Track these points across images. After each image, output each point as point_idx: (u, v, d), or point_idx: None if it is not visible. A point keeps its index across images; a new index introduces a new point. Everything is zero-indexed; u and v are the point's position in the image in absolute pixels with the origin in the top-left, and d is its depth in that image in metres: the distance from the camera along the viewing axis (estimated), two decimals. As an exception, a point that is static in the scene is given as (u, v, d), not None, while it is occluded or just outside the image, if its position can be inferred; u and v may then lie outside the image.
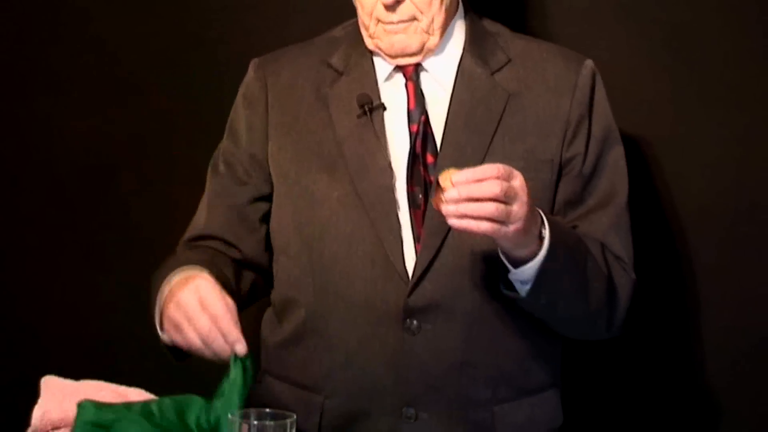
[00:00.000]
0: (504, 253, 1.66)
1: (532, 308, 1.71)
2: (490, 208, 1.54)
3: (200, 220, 1.88)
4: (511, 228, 1.57)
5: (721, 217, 2.09)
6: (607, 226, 1.79)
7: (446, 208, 1.55)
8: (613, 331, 1.81)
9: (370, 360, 1.74)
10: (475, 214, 1.55)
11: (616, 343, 2.11)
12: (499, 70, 1.80)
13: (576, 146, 1.79)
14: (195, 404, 1.56)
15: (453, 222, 1.56)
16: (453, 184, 1.55)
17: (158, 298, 1.68)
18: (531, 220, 1.60)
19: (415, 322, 1.73)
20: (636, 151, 2.14)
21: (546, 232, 1.63)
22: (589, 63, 1.82)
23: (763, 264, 2.08)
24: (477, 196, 1.54)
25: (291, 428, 1.42)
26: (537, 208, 1.64)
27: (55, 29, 2.68)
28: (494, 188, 1.55)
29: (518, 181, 1.59)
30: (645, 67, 2.14)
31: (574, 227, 1.79)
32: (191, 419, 1.56)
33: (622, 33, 2.14)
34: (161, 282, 1.69)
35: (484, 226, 1.55)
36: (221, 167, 1.88)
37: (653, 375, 2.18)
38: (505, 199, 1.55)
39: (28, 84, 2.75)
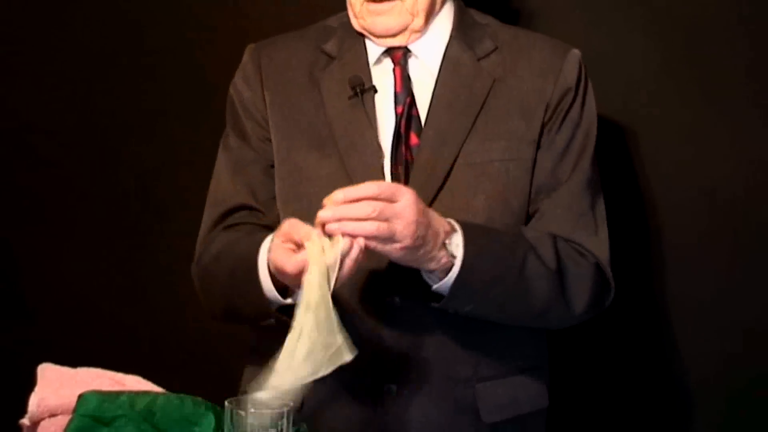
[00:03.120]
0: None
1: (458, 313, 1.71)
2: (370, 227, 1.55)
3: (226, 194, 1.86)
4: (398, 246, 1.58)
5: (717, 207, 2.10)
6: (565, 207, 1.79)
7: (328, 227, 1.55)
8: (582, 317, 1.79)
9: (353, 335, 1.74)
10: (356, 232, 1.55)
11: (606, 328, 2.12)
12: (485, 56, 1.83)
13: (551, 125, 1.80)
14: (206, 419, 1.56)
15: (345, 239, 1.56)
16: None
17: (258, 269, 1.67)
18: (423, 238, 1.60)
19: (397, 298, 1.74)
20: (627, 141, 2.14)
21: (459, 247, 1.64)
22: (575, 52, 1.84)
23: (757, 252, 2.08)
24: (348, 216, 1.55)
25: (288, 416, 1.41)
26: (449, 222, 1.65)
27: (56, 11, 2.69)
28: (365, 209, 1.55)
29: (404, 200, 1.58)
30: (638, 58, 2.15)
31: (536, 211, 1.79)
32: (197, 430, 1.55)
33: (615, 24, 2.16)
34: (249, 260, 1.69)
35: (372, 243, 1.56)
36: (233, 142, 1.88)
37: (644, 362, 2.20)
38: (383, 218, 1.56)
39: (27, 64, 2.75)
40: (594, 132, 1.83)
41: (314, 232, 1.55)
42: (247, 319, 1.77)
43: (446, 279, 1.65)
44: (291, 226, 1.59)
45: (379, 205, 1.56)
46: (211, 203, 1.88)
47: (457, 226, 1.66)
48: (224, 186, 1.87)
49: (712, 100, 2.09)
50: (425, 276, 1.68)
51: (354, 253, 1.54)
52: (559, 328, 1.87)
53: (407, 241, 1.58)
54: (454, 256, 1.64)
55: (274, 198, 1.84)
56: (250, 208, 1.85)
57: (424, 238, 1.60)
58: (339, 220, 1.55)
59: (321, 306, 1.51)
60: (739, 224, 2.09)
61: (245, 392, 1.82)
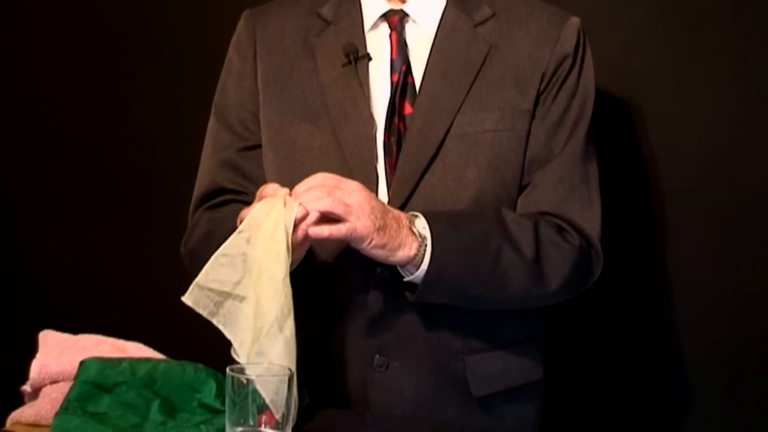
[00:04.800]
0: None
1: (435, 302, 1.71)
2: (326, 201, 1.55)
3: (203, 177, 1.88)
4: (359, 226, 1.57)
5: (717, 177, 2.10)
6: (557, 180, 1.77)
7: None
8: (558, 294, 1.76)
9: (342, 307, 1.75)
10: (313, 206, 1.54)
11: (605, 300, 2.11)
12: (482, 23, 1.80)
13: (546, 95, 1.78)
14: (208, 385, 1.56)
15: (312, 231, 1.55)
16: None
17: None
18: (383, 219, 1.59)
19: (386, 270, 1.72)
20: (626, 110, 2.14)
21: (427, 238, 1.63)
22: (574, 20, 1.81)
23: (759, 220, 2.08)
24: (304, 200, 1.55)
25: (290, 382, 1.42)
26: (404, 217, 1.64)
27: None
28: (317, 192, 1.56)
29: (351, 184, 1.59)
30: (637, 27, 2.14)
31: (529, 183, 1.78)
32: (198, 396, 1.56)
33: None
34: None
35: (333, 231, 1.56)
36: (214, 122, 1.88)
37: (644, 334, 2.20)
38: (336, 197, 1.56)
39: (27, 36, 2.75)
40: (591, 102, 1.81)
41: (282, 190, 1.56)
42: None
43: (418, 272, 1.64)
44: (265, 186, 1.60)
45: (327, 190, 1.56)
46: (196, 184, 1.89)
47: (419, 215, 1.65)
48: (206, 168, 1.88)
49: (712, 68, 2.08)
50: (400, 269, 1.66)
51: (309, 219, 1.53)
52: (541, 305, 1.86)
53: (365, 219, 1.57)
54: (423, 237, 1.64)
55: (252, 179, 1.82)
56: (229, 191, 1.84)
57: (383, 220, 1.59)
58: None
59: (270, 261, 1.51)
60: (737, 190, 2.08)
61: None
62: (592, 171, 1.81)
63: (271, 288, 1.51)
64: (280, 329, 1.50)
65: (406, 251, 1.62)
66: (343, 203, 1.56)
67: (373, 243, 1.59)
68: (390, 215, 1.62)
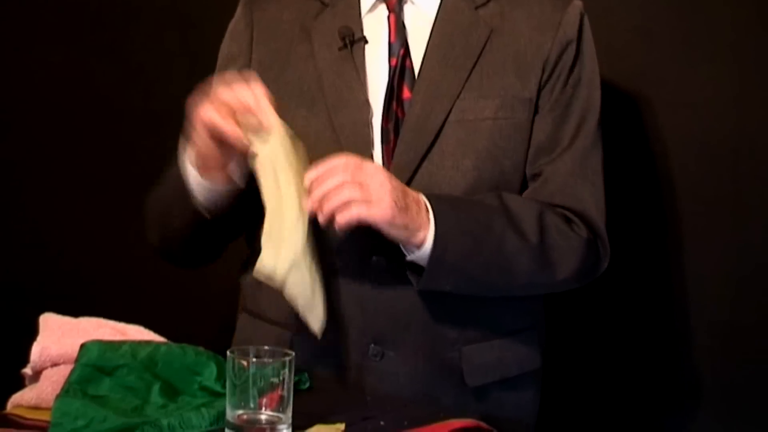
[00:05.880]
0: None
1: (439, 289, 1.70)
2: (347, 191, 1.55)
3: None
4: (380, 208, 1.57)
5: (720, 161, 2.09)
6: (569, 173, 1.76)
7: (319, 218, 1.57)
8: (568, 282, 1.76)
9: (337, 296, 1.74)
10: (335, 204, 1.55)
11: (607, 289, 2.11)
12: (483, 5, 1.78)
13: (551, 84, 1.76)
14: (208, 368, 1.57)
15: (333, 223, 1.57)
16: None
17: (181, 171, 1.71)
18: (404, 200, 1.59)
19: (383, 259, 1.71)
20: (629, 98, 2.13)
21: (431, 222, 1.62)
22: (577, 4, 1.79)
23: (761, 206, 2.08)
24: (325, 190, 1.56)
25: (290, 366, 1.42)
26: (422, 198, 1.64)
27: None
28: (338, 179, 1.56)
29: (372, 166, 1.60)
30: (643, 11, 2.13)
31: (539, 174, 1.76)
32: (199, 379, 1.56)
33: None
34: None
35: (354, 213, 1.56)
36: None
37: (646, 323, 2.19)
38: (356, 181, 1.56)
39: (28, 24, 2.75)
40: (598, 91, 1.80)
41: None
42: (179, 230, 1.77)
43: (421, 252, 1.63)
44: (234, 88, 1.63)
45: (349, 172, 1.56)
46: None
47: (424, 198, 1.65)
48: None
49: (717, 54, 2.08)
50: (404, 249, 1.66)
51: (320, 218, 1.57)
52: (546, 293, 1.86)
53: (387, 200, 1.57)
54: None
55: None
56: None
57: (404, 200, 1.59)
58: (320, 200, 1.56)
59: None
60: (741, 178, 2.07)
61: (238, 342, 1.84)
62: (600, 160, 1.80)
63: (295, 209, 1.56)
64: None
65: (426, 232, 1.62)
66: (360, 189, 1.56)
67: (395, 222, 1.59)
68: (410, 197, 1.62)
